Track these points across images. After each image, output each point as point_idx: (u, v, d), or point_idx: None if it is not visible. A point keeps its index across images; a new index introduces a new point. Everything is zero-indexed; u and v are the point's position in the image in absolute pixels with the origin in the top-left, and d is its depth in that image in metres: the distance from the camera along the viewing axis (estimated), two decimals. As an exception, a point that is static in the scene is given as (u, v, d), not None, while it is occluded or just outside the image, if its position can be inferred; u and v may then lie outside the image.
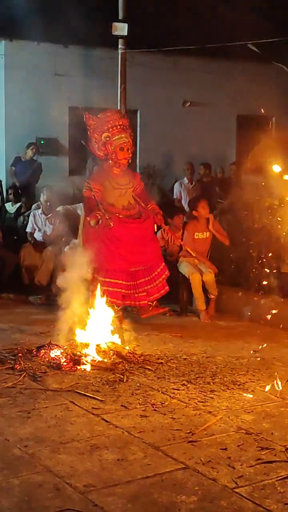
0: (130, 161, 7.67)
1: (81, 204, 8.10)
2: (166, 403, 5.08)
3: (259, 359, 6.32)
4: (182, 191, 12.52)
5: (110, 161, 7.55)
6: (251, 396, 5.27)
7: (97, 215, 7.29)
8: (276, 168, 6.79)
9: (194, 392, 5.33)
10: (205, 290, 8.13)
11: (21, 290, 8.93)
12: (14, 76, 12.99)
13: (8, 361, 5.96)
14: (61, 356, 5.96)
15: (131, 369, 5.87)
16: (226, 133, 15.21)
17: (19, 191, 10.97)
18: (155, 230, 8.11)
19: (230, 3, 12.34)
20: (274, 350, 6.64)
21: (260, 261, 8.32)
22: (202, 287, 8.10)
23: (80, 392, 5.26)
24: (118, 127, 7.46)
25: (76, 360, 5.89)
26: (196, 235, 8.41)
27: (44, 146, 13.15)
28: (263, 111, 12.28)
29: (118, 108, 12.24)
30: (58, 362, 5.88)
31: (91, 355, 5.97)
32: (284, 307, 7.68)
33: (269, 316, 7.33)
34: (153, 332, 7.32)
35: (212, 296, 8.19)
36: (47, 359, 5.97)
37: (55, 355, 5.98)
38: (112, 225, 7.28)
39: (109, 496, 3.64)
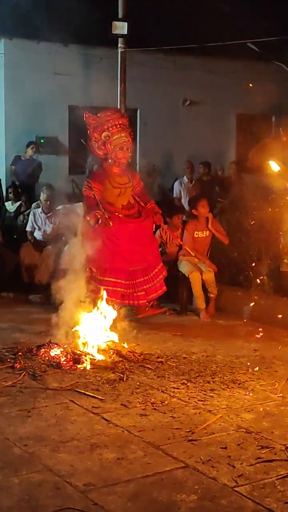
0: (129, 160, 7.68)
1: (81, 203, 8.10)
2: (166, 402, 5.08)
3: (258, 357, 6.33)
4: (182, 190, 12.53)
5: (110, 160, 7.55)
6: (251, 395, 5.27)
7: (97, 214, 7.30)
8: (276, 167, 6.79)
9: (194, 391, 5.33)
10: (205, 289, 8.13)
11: (21, 289, 8.93)
12: (14, 75, 12.99)
13: (8, 360, 5.96)
14: (61, 355, 5.96)
15: (131, 368, 5.87)
16: (226, 132, 15.22)
17: (19, 190, 10.97)
18: (154, 230, 8.12)
19: (230, 2, 12.34)
20: (274, 349, 6.64)
21: (260, 260, 8.32)
22: (202, 286, 8.10)
23: (80, 391, 5.26)
24: (118, 126, 7.47)
25: (76, 359, 5.89)
26: (196, 234, 8.41)
27: (44, 145, 13.16)
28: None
29: (118, 107, 12.24)
30: (58, 361, 5.88)
31: (91, 354, 5.97)
32: (284, 306, 7.68)
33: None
34: (153, 331, 7.32)
35: (212, 295, 8.18)
36: (47, 358, 5.97)
37: (55, 354, 5.98)
38: (112, 224, 7.29)
39: (109, 495, 3.64)
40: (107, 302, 6.67)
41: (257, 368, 5.90)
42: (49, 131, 13.25)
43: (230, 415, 4.81)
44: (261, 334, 7.10)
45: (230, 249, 8.58)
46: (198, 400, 5.12)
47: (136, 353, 6.23)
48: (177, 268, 8.30)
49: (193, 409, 4.94)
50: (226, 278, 8.46)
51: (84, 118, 7.55)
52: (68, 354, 5.97)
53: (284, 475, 3.88)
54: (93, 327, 6.25)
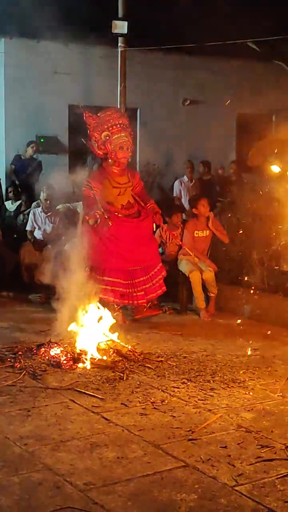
0: (129, 160, 7.68)
1: (81, 202, 8.11)
2: (166, 401, 5.08)
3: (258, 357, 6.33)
4: (182, 189, 12.53)
5: (110, 160, 7.55)
6: (251, 394, 5.27)
7: (96, 214, 7.30)
8: (276, 169, 6.80)
9: (194, 390, 5.33)
10: (205, 289, 8.13)
11: (21, 289, 8.93)
12: (14, 74, 13.00)
13: (8, 359, 5.96)
14: (61, 354, 5.96)
15: (131, 367, 5.87)
16: (226, 131, 15.21)
17: (19, 189, 10.97)
18: (154, 229, 8.12)
19: (230, 1, 12.34)
20: (274, 348, 6.64)
21: (260, 260, 8.33)
22: (202, 285, 8.10)
23: (80, 390, 5.26)
24: (118, 126, 7.47)
25: (76, 358, 5.89)
26: (196, 233, 8.41)
27: (44, 144, 13.15)
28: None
29: (118, 106, 12.25)
30: (58, 360, 5.88)
31: (91, 353, 5.97)
32: (284, 306, 7.69)
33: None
34: (153, 330, 7.32)
35: (212, 295, 8.19)
36: (47, 357, 5.98)
37: (55, 353, 5.98)
38: (111, 224, 7.29)
39: (109, 494, 3.64)
40: (107, 302, 6.67)
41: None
42: (49, 130, 13.25)
43: (230, 414, 4.81)
44: (261, 333, 7.11)
45: (230, 249, 8.59)
46: (198, 399, 5.12)
47: (136, 352, 6.23)
48: (177, 267, 8.31)
49: (193, 408, 4.94)
50: (226, 278, 8.46)
51: (84, 118, 7.55)
52: (68, 354, 5.97)
53: (284, 474, 3.88)
54: (93, 327, 6.25)
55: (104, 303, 6.88)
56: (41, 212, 9.41)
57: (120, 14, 12.22)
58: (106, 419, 4.70)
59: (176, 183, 12.78)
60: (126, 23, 12.05)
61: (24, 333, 7.04)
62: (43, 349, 6.08)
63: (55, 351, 6.01)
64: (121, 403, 5.02)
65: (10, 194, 10.89)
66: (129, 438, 4.38)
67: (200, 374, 5.73)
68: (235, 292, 8.25)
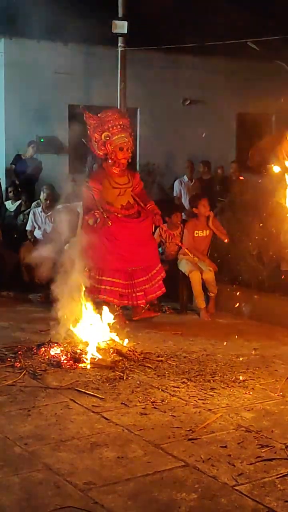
0: (129, 160, 7.68)
1: (81, 202, 8.11)
2: (166, 401, 5.08)
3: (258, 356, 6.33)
4: (182, 189, 12.53)
5: (110, 161, 7.55)
6: (251, 393, 5.27)
7: (95, 214, 7.30)
8: (277, 169, 6.79)
9: (194, 390, 5.33)
10: (205, 288, 8.13)
11: (21, 288, 8.93)
12: (14, 74, 13.00)
13: (8, 359, 5.96)
14: (61, 354, 5.96)
15: (131, 367, 5.87)
16: (226, 131, 15.22)
17: (19, 189, 10.97)
18: (154, 230, 8.12)
19: (230, 1, 12.35)
20: (274, 348, 6.64)
21: (259, 259, 8.33)
22: (202, 285, 8.10)
23: (80, 390, 5.26)
24: (118, 126, 7.47)
25: (76, 358, 5.89)
26: (196, 233, 8.41)
27: (44, 144, 13.16)
28: None
29: (118, 106, 12.26)
30: (58, 360, 5.88)
31: (91, 353, 5.97)
32: (284, 305, 7.69)
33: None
34: (153, 330, 7.32)
35: (211, 294, 8.19)
36: (47, 357, 5.98)
37: (55, 353, 5.98)
38: (110, 224, 7.29)
39: (109, 494, 3.64)
40: (106, 302, 6.67)
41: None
42: (49, 130, 13.25)
43: (230, 414, 4.81)
44: (261, 333, 7.11)
45: (230, 248, 8.58)
46: (198, 399, 5.12)
47: (136, 352, 6.23)
48: (177, 267, 8.31)
49: (193, 408, 4.94)
50: (226, 277, 8.46)
51: (85, 118, 7.55)
52: (68, 353, 5.97)
53: (284, 474, 3.88)
54: (93, 326, 6.25)
55: (104, 303, 6.88)
56: (41, 212, 9.41)
57: (120, 14, 12.24)
58: (106, 418, 4.70)
59: (176, 183, 12.78)
60: (126, 23, 12.06)
61: (24, 332, 7.04)
62: (43, 348, 6.08)
63: (55, 350, 6.02)
64: (121, 403, 5.02)
65: (10, 194, 10.89)
66: (129, 438, 4.38)
67: (200, 374, 5.74)
68: (235, 292, 8.25)
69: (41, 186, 9.90)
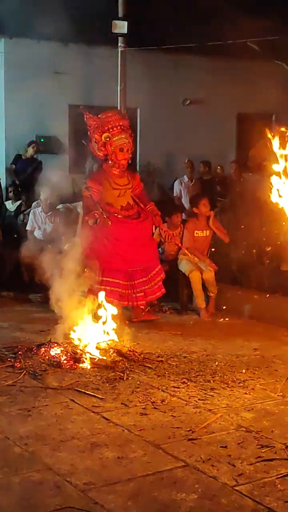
0: (130, 161, 7.68)
1: (81, 202, 8.11)
2: (166, 401, 5.08)
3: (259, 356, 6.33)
4: (182, 189, 12.53)
5: (110, 162, 7.55)
6: (251, 394, 5.27)
7: (95, 214, 7.30)
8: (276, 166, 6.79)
9: (194, 390, 5.33)
10: (205, 288, 8.13)
11: (21, 288, 8.93)
12: (14, 74, 12.99)
13: (8, 359, 5.96)
14: (61, 354, 5.96)
15: (131, 367, 5.87)
16: (227, 131, 15.21)
17: (19, 189, 10.96)
18: (153, 231, 8.12)
19: (230, 1, 12.34)
20: (274, 348, 6.64)
21: (260, 259, 8.33)
22: (202, 285, 8.10)
23: (80, 390, 5.26)
24: (119, 127, 7.47)
25: (76, 358, 5.89)
26: (196, 233, 8.41)
27: (44, 144, 13.15)
28: None
29: (118, 106, 12.26)
30: (58, 360, 5.88)
31: (91, 353, 5.97)
32: (284, 305, 7.69)
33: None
34: (153, 330, 7.32)
35: (211, 294, 8.19)
36: (47, 357, 5.97)
37: (55, 353, 5.98)
38: (110, 224, 7.29)
39: (109, 494, 3.64)
40: (106, 302, 6.67)
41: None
42: (49, 130, 13.25)
43: (230, 414, 4.81)
44: (261, 333, 7.11)
45: (230, 248, 8.59)
46: (198, 399, 5.11)
47: (136, 352, 6.22)
48: (177, 267, 8.31)
49: (193, 408, 4.94)
50: (226, 277, 8.46)
51: (85, 119, 7.55)
52: (68, 353, 5.97)
53: (284, 474, 3.88)
54: (93, 327, 6.25)
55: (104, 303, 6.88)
56: (41, 212, 9.41)
57: (120, 14, 12.23)
58: (106, 419, 4.70)
59: (176, 183, 12.77)
60: (126, 23, 12.06)
61: (24, 332, 7.04)
62: (43, 349, 6.08)
63: (55, 351, 6.02)
64: (121, 403, 5.02)
65: (10, 194, 10.89)
66: (129, 438, 4.38)
67: (200, 374, 5.74)
68: (235, 292, 8.26)
69: (41, 186, 9.89)
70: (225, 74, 14.64)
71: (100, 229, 7.31)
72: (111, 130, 7.44)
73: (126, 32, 12.11)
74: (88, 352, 5.98)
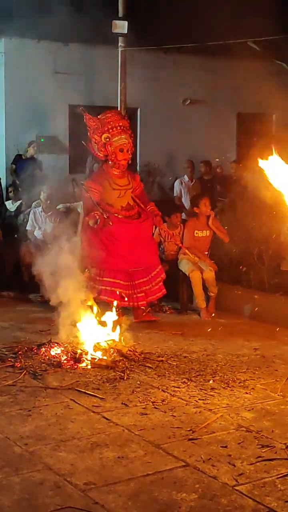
0: (130, 162, 7.68)
1: (81, 202, 8.11)
2: (167, 401, 5.08)
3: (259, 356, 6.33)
4: (183, 189, 12.52)
5: (110, 162, 7.55)
6: (251, 393, 5.27)
7: (95, 215, 7.30)
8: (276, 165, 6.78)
9: (194, 390, 5.33)
10: (205, 288, 8.13)
11: (21, 288, 8.92)
12: (14, 74, 12.99)
13: (9, 359, 5.96)
14: (61, 354, 5.97)
15: (132, 367, 5.87)
16: (227, 130, 15.21)
17: (19, 189, 10.96)
18: (153, 231, 8.12)
19: (230, 0, 12.34)
20: (275, 348, 6.64)
21: (260, 259, 8.33)
22: (202, 285, 8.09)
23: (81, 390, 5.26)
24: (118, 128, 7.47)
25: (76, 358, 5.89)
26: (196, 233, 8.41)
27: (44, 144, 13.15)
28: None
29: (118, 106, 12.26)
30: (58, 360, 5.88)
31: (91, 353, 5.97)
32: (285, 305, 7.68)
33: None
34: (153, 330, 7.32)
35: (212, 294, 8.18)
36: (47, 357, 5.98)
37: (56, 353, 5.99)
38: (111, 224, 7.29)
39: (110, 494, 3.64)
40: (107, 302, 6.67)
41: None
42: (49, 130, 13.25)
43: (230, 414, 4.81)
44: (261, 333, 7.10)
45: (230, 248, 8.58)
46: (199, 399, 5.12)
47: (136, 352, 6.23)
48: (177, 267, 8.31)
49: (194, 408, 4.94)
50: (226, 277, 8.46)
51: (85, 120, 7.54)
52: (69, 353, 5.97)
53: (285, 474, 3.88)
54: (93, 326, 6.25)
55: (104, 303, 6.88)
56: (41, 211, 9.41)
57: (120, 14, 12.23)
58: (106, 418, 4.71)
59: (177, 182, 12.76)
60: (126, 23, 12.05)
61: (24, 332, 7.04)
62: (43, 348, 6.09)
63: (55, 350, 6.02)
64: (122, 403, 5.02)
65: (11, 194, 10.88)
66: (130, 438, 4.38)
67: (200, 374, 5.74)
68: (235, 292, 8.25)
69: (41, 186, 9.90)
70: (225, 74, 14.63)
71: (100, 230, 7.31)
72: (111, 130, 7.44)
73: (126, 32, 12.10)
74: (88, 352, 5.97)
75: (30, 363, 5.85)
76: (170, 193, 13.09)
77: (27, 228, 9.47)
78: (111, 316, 6.39)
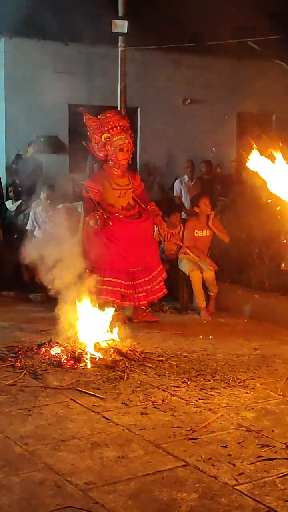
0: (130, 161, 7.68)
1: (81, 202, 8.11)
2: (167, 400, 5.08)
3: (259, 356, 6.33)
4: (183, 189, 12.52)
5: (110, 162, 7.55)
6: (251, 393, 5.27)
7: (95, 215, 7.30)
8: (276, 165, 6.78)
9: (194, 389, 5.33)
10: (205, 288, 8.13)
11: (21, 288, 8.93)
12: (14, 74, 12.99)
13: (9, 358, 5.97)
14: (61, 353, 5.97)
15: (132, 366, 5.87)
16: (227, 130, 15.20)
17: (20, 188, 10.96)
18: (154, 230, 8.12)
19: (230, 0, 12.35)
20: (275, 347, 6.64)
21: (260, 259, 8.33)
22: (202, 284, 8.10)
23: (81, 389, 5.26)
24: (118, 128, 7.47)
25: (76, 358, 5.89)
26: (196, 233, 8.41)
27: (44, 144, 13.15)
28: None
29: (118, 105, 12.25)
30: (58, 359, 5.88)
31: (91, 352, 5.98)
32: (285, 305, 7.69)
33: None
34: (153, 329, 7.32)
35: (212, 294, 8.19)
36: (47, 356, 5.98)
37: (56, 353, 5.99)
38: (111, 223, 7.29)
39: (110, 494, 3.64)
40: (107, 302, 6.67)
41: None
42: (49, 130, 13.25)
43: (230, 414, 4.81)
44: (261, 332, 7.10)
45: (230, 248, 8.58)
46: (199, 399, 5.12)
47: (136, 351, 6.23)
48: (177, 267, 8.31)
49: (194, 407, 4.94)
50: (226, 277, 8.46)
51: (85, 120, 7.54)
52: (69, 353, 5.97)
53: (285, 473, 3.88)
54: (94, 326, 6.25)
55: (105, 303, 6.88)
56: (41, 211, 9.41)
57: (120, 13, 12.22)
58: (106, 418, 4.71)
59: (177, 182, 12.76)
60: (126, 22, 12.05)
61: (24, 332, 7.04)
62: (43, 348, 6.09)
63: (55, 350, 6.02)
64: (122, 403, 5.02)
65: (11, 194, 10.88)
66: (130, 438, 4.38)
67: (200, 374, 5.74)
68: (235, 292, 8.25)
69: (42, 185, 9.90)
70: (225, 74, 14.63)
71: (101, 229, 7.31)
72: (110, 130, 7.43)
73: (126, 31, 12.10)
74: (89, 352, 5.97)
75: (30, 363, 5.85)
76: (170, 193, 13.09)
77: (27, 227, 9.48)
78: (111, 315, 6.39)
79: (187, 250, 8.15)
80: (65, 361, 5.86)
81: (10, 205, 10.73)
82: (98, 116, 7.51)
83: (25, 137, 12.50)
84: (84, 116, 7.52)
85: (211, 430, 4.51)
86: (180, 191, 12.52)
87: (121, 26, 12.04)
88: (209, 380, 5.56)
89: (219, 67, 14.52)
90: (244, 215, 8.79)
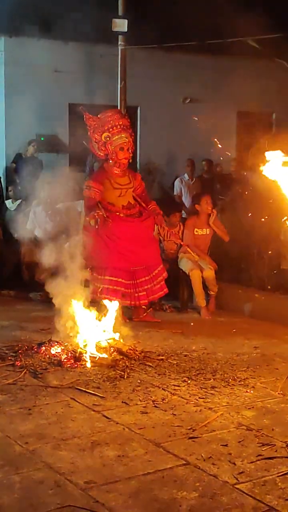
0: (130, 160, 7.68)
1: (81, 201, 8.11)
2: (167, 399, 5.08)
3: (259, 355, 6.33)
4: (183, 188, 12.52)
5: (111, 161, 7.55)
6: (251, 392, 5.27)
7: (96, 214, 7.30)
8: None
9: (194, 388, 5.33)
10: (205, 287, 8.13)
11: (21, 287, 8.93)
12: (14, 73, 12.98)
13: (9, 357, 5.96)
14: (61, 352, 5.97)
15: (132, 365, 5.87)
16: (227, 129, 15.19)
17: (19, 188, 10.95)
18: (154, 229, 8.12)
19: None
20: (275, 346, 6.64)
21: (260, 258, 8.33)
22: (202, 283, 8.10)
23: (81, 388, 5.26)
24: (118, 127, 7.46)
25: (76, 357, 5.89)
26: (196, 231, 8.41)
27: (44, 143, 13.15)
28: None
29: (118, 104, 12.25)
30: (58, 358, 5.88)
31: (91, 351, 5.97)
32: (285, 304, 7.69)
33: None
34: (153, 328, 7.32)
35: (212, 293, 8.19)
36: (47, 355, 5.98)
37: (56, 352, 5.99)
38: (110, 222, 7.29)
39: (110, 493, 3.64)
40: (108, 301, 6.67)
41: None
42: (49, 129, 13.24)
43: (230, 413, 4.81)
44: (261, 331, 7.10)
45: (230, 247, 8.59)
46: (199, 398, 5.12)
47: (136, 350, 6.23)
48: (177, 266, 8.31)
49: (194, 406, 4.94)
50: (226, 276, 8.46)
51: (85, 119, 7.54)
52: (69, 352, 5.97)
53: (285, 472, 3.88)
54: (94, 326, 6.25)
55: (106, 302, 6.87)
56: (41, 210, 9.40)
57: (120, 12, 12.22)
58: (107, 417, 4.71)
59: (177, 181, 12.77)
60: (126, 21, 12.05)
61: (24, 331, 7.04)
62: (43, 347, 6.08)
63: (55, 349, 6.02)
64: (122, 402, 5.02)
65: (11, 193, 10.88)
66: (130, 437, 4.38)
67: (200, 373, 5.74)
68: (235, 291, 8.26)
69: (42, 185, 9.88)
70: (225, 72, 14.61)
71: (102, 228, 7.31)
72: (111, 129, 7.43)
73: (126, 30, 12.10)
74: (89, 351, 5.97)
75: (30, 362, 5.85)
76: (170, 192, 13.09)
77: (27, 227, 9.46)
78: (112, 315, 6.39)
79: (187, 249, 8.15)
80: (65, 360, 5.86)
81: (10, 204, 10.73)
82: (98, 115, 7.50)
83: (25, 136, 12.50)
84: (84, 115, 7.52)
85: (211, 429, 4.51)
86: (180, 190, 12.52)
87: (121, 25, 12.04)
88: (209, 379, 5.56)
89: (219, 66, 14.51)
90: (244, 214, 8.79)
